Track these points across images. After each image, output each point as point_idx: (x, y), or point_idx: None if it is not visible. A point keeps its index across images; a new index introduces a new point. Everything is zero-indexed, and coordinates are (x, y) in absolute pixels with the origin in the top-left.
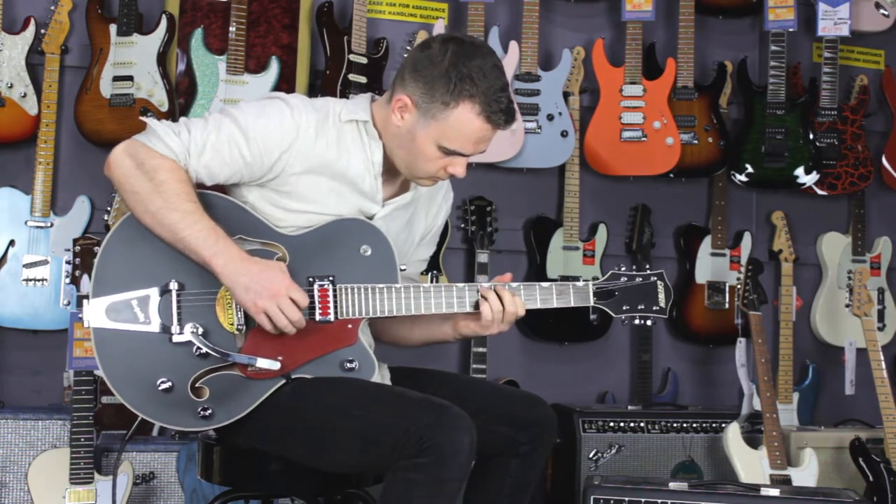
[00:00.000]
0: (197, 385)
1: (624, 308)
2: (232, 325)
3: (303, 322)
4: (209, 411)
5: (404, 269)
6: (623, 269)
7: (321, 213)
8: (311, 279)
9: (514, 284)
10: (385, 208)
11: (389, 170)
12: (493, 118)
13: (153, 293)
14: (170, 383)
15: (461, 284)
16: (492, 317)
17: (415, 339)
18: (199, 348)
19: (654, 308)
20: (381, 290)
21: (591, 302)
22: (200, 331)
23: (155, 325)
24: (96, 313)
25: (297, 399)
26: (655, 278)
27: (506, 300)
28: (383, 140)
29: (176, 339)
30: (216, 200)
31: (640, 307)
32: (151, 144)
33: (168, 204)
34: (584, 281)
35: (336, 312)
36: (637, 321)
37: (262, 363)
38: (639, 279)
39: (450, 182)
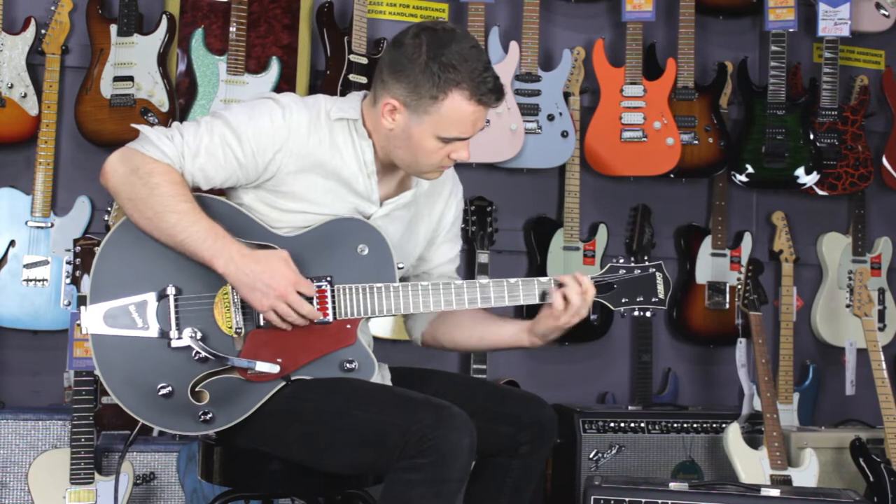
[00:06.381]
0: (197, 389)
1: (623, 301)
2: (230, 328)
3: (315, 314)
4: (210, 415)
5: (402, 268)
6: (622, 261)
7: (317, 213)
8: (308, 280)
9: (512, 280)
10: (384, 208)
11: (385, 168)
12: (483, 100)
13: (150, 298)
14: (169, 388)
15: (460, 282)
16: (564, 306)
17: (474, 343)
18: (197, 353)
19: (654, 300)
20: (378, 290)
21: None
22: (199, 335)
23: (153, 331)
24: (94, 319)
25: (298, 401)
26: (654, 270)
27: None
28: (374, 139)
29: (175, 343)
30: (211, 202)
31: (639, 299)
32: (145, 150)
33: (164, 207)
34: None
35: (335, 313)
36: (637, 313)
37: (262, 366)
38: (637, 271)
39: (456, 175)
